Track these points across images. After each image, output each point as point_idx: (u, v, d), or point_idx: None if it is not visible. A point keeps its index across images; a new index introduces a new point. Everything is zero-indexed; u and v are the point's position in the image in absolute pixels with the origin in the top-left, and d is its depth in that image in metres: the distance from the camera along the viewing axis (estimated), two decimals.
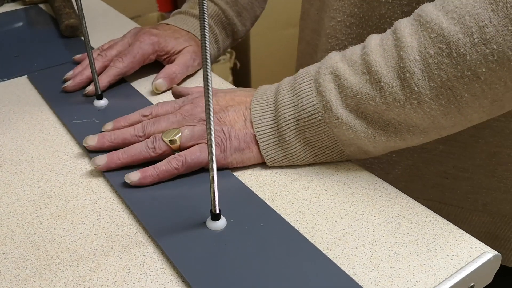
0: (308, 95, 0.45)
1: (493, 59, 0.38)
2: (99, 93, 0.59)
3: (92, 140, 0.51)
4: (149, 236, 0.42)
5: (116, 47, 0.65)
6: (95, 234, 0.42)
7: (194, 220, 0.42)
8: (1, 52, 0.74)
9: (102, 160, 0.48)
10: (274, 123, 0.47)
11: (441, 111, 0.41)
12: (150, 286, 0.38)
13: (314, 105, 0.45)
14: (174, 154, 0.48)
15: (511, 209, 0.61)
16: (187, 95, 0.54)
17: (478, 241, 0.40)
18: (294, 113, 0.46)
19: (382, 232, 0.41)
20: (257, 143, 0.48)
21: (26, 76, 0.68)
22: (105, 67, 0.63)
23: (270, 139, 0.47)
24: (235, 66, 2.01)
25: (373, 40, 0.44)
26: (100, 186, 0.47)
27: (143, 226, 0.43)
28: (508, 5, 0.37)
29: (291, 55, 1.95)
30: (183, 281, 0.38)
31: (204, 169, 0.48)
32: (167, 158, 0.47)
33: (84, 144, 0.51)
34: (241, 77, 2.06)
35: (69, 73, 0.64)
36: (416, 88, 0.41)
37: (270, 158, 0.48)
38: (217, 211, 0.41)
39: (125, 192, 0.46)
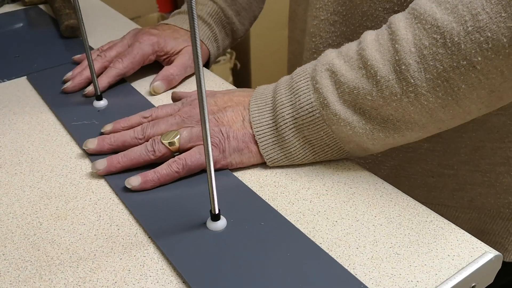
0: (305, 93, 0.45)
1: (487, 47, 0.38)
2: (99, 93, 0.59)
3: (92, 143, 0.51)
4: (149, 237, 0.42)
5: (116, 48, 0.65)
6: (95, 235, 0.42)
7: (194, 221, 0.42)
8: (1, 52, 0.74)
9: (102, 164, 0.48)
10: (273, 122, 0.47)
11: (438, 103, 0.41)
12: (150, 287, 0.37)
13: (311, 102, 0.45)
14: (173, 156, 0.47)
15: (495, 202, 0.61)
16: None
17: (479, 241, 0.40)
18: (292, 112, 0.46)
19: (383, 232, 0.41)
20: (256, 143, 0.48)
21: (26, 76, 0.67)
22: (104, 68, 0.63)
23: (269, 139, 0.47)
24: (235, 67, 2.01)
25: (369, 35, 0.44)
26: (100, 187, 0.47)
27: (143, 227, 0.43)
28: None
29: None
30: (183, 282, 0.38)
31: (204, 169, 0.48)
32: (167, 162, 0.47)
33: (84, 148, 0.51)
34: (241, 78, 2.06)
35: (69, 74, 0.64)
36: (412, 81, 0.41)
37: (270, 157, 0.48)
38: (217, 212, 0.41)
39: (124, 193, 0.46)
